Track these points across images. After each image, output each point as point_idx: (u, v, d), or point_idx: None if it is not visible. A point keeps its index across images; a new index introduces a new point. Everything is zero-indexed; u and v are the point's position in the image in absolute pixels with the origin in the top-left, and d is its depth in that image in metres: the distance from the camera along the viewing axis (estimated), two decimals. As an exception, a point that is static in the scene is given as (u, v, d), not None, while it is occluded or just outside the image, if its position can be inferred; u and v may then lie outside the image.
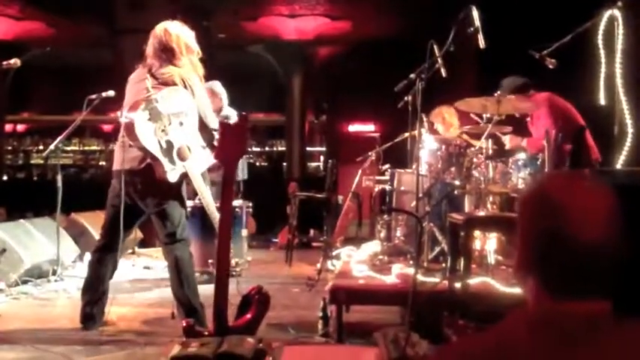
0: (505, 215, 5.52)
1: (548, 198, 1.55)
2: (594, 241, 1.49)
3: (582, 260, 1.49)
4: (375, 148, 8.91)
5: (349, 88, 16.60)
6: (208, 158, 5.36)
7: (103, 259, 5.53)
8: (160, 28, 5.47)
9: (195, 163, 5.30)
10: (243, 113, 3.79)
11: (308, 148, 18.48)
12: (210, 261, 7.47)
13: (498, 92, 6.45)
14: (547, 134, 5.70)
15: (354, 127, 17.67)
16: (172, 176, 5.18)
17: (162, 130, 5.10)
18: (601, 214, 1.51)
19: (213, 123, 5.49)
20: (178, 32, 5.47)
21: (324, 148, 19.82)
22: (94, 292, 5.50)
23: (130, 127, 5.09)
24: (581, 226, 1.49)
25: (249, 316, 3.84)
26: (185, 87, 5.29)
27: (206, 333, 3.71)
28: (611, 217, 1.52)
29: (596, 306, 1.50)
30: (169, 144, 5.15)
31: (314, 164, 20.26)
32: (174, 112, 5.17)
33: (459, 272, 4.64)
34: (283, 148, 18.73)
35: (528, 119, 6.81)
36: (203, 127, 5.51)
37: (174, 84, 5.26)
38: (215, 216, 5.32)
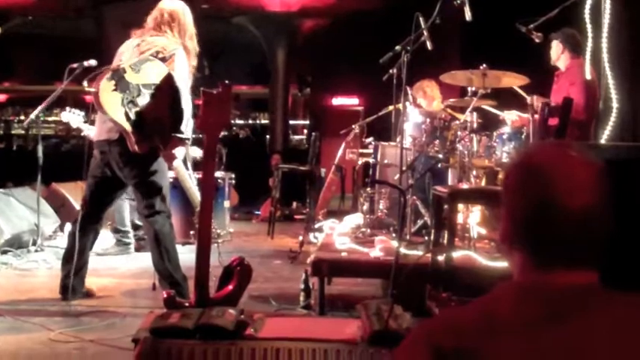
0: (489, 188, 5.51)
1: (534, 167, 1.53)
2: (581, 208, 1.46)
3: (569, 228, 1.47)
4: (358, 121, 8.88)
5: (333, 61, 16.49)
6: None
7: (84, 229, 5.44)
8: (167, 2, 5.43)
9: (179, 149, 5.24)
10: (227, 82, 3.73)
11: (291, 121, 18.44)
12: (192, 232, 7.42)
13: (552, 35, 6.39)
14: (531, 106, 5.67)
15: (337, 101, 17.57)
16: (143, 148, 5.07)
17: (131, 102, 4.97)
18: (587, 181, 1.49)
19: (185, 102, 5.21)
20: (182, 10, 5.43)
21: (307, 121, 19.78)
22: (74, 263, 5.42)
23: (95, 97, 4.99)
24: (567, 193, 1.46)
25: (230, 287, 3.81)
26: (165, 59, 5.19)
27: (187, 304, 3.68)
28: (598, 184, 1.50)
29: (583, 277, 1.48)
30: (140, 115, 5.04)
31: (297, 137, 20.23)
32: (146, 82, 5.07)
33: (443, 245, 4.63)
34: (267, 121, 18.68)
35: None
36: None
37: (155, 54, 5.18)
38: (195, 198, 5.32)
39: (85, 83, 5.18)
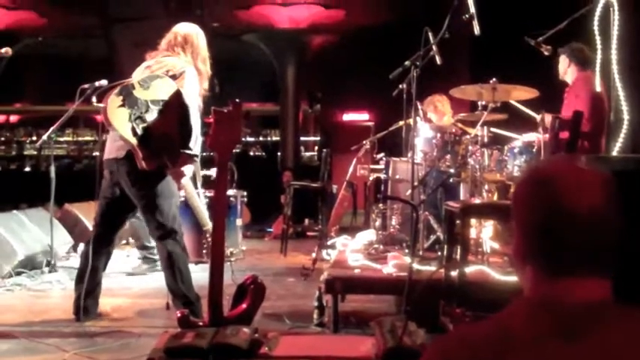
0: (501, 203, 5.49)
1: (542, 179, 1.54)
2: (589, 214, 1.47)
3: (578, 236, 1.47)
4: (369, 136, 8.88)
5: (343, 77, 16.55)
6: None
7: (96, 250, 5.43)
8: (182, 26, 5.49)
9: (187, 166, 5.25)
10: (237, 100, 3.74)
11: (302, 138, 18.46)
12: (204, 251, 7.42)
13: (559, 49, 6.37)
14: (542, 121, 5.67)
15: (348, 117, 17.64)
16: (151, 165, 5.04)
17: (139, 117, 4.94)
18: (595, 190, 1.49)
19: (194, 119, 5.19)
20: (195, 34, 5.46)
21: (318, 138, 19.79)
22: (88, 283, 5.41)
23: (104, 112, 4.97)
24: (575, 201, 1.47)
25: (244, 306, 3.80)
26: (175, 77, 5.21)
27: (201, 323, 3.68)
28: (606, 192, 1.50)
29: (596, 289, 1.47)
30: (148, 131, 5.00)
31: (308, 154, 20.23)
32: (155, 99, 5.05)
33: (456, 261, 4.61)
34: (277, 138, 18.70)
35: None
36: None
37: (165, 72, 5.19)
38: (203, 216, 5.32)
39: (94, 99, 5.18)
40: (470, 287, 4.47)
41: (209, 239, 4.71)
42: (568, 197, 1.48)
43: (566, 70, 6.45)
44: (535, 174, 1.59)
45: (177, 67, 5.24)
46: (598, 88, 6.07)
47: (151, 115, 5.01)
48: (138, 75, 5.28)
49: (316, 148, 20.06)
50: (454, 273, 4.59)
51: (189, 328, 3.51)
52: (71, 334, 5.20)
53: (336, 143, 14.78)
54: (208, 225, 5.29)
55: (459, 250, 4.59)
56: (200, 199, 5.54)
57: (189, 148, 5.03)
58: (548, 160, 1.86)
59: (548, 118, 5.97)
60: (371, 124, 15.99)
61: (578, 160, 1.57)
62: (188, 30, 5.46)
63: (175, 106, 5.05)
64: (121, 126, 4.91)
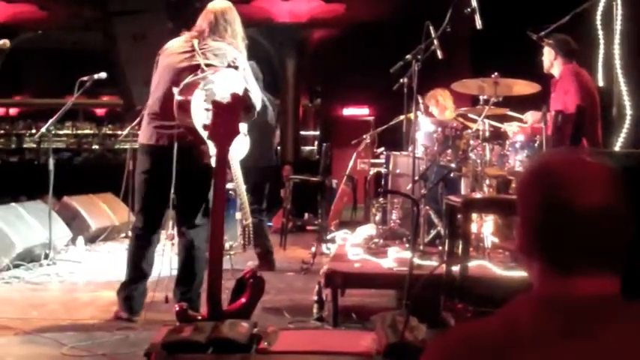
0: (503, 197, 5.46)
1: (545, 172, 1.50)
2: (596, 208, 1.43)
3: (585, 230, 1.43)
4: (369, 131, 8.86)
5: (343, 72, 16.50)
6: (245, 146, 5.11)
7: (147, 237, 5.32)
8: (221, 5, 5.32)
9: (236, 150, 5.07)
10: (237, 92, 3.70)
11: (302, 132, 18.43)
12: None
13: (541, 34, 6.25)
14: (544, 115, 5.63)
15: (348, 111, 17.59)
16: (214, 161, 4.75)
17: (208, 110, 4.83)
18: (600, 182, 1.46)
19: (259, 106, 5.12)
20: (232, 10, 5.33)
21: (317, 132, 19.77)
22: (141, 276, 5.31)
23: (185, 106, 4.73)
24: (580, 194, 1.43)
25: (243, 300, 3.78)
26: (234, 67, 5.08)
27: (200, 317, 3.65)
28: (613, 185, 1.46)
29: (604, 285, 1.44)
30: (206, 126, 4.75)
31: (308, 148, 20.22)
32: (225, 95, 4.88)
33: (457, 255, 4.58)
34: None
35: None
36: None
37: (222, 62, 5.07)
38: (246, 205, 5.20)
39: (176, 90, 4.90)
40: (471, 282, 4.44)
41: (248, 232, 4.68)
42: (572, 191, 1.44)
43: (552, 62, 6.32)
44: (538, 167, 1.55)
45: (231, 56, 5.12)
46: (601, 82, 6.04)
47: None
48: (178, 58, 5.13)
49: (316, 142, 20.05)
50: (455, 268, 4.56)
51: (187, 322, 3.48)
52: (69, 327, 5.17)
53: (336, 137, 14.73)
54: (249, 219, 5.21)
55: (460, 245, 4.56)
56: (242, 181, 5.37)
57: None
58: (551, 153, 1.82)
59: (535, 116, 5.95)
60: (371, 118, 15.93)
61: (581, 152, 1.53)
62: (225, 8, 5.30)
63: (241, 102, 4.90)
64: (198, 121, 4.69)
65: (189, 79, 4.83)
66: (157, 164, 5.15)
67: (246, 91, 4.85)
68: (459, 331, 1.75)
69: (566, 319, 1.40)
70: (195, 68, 4.97)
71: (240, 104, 3.67)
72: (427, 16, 5.98)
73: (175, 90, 4.73)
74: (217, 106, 3.64)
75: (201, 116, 4.67)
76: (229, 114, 3.64)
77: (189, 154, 4.92)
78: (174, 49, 5.23)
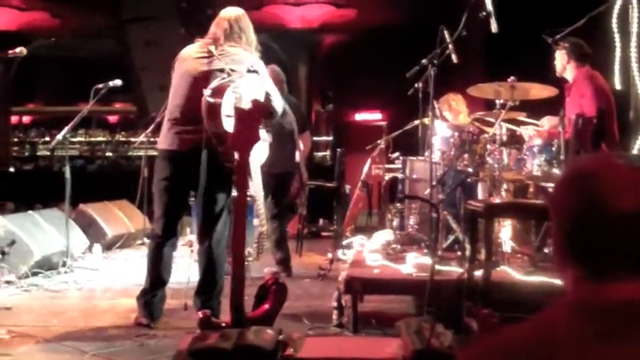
0: (526, 202, 5.45)
1: (579, 176, 1.50)
2: (632, 210, 1.42)
3: (621, 233, 1.43)
4: (381, 136, 8.83)
5: (355, 77, 16.51)
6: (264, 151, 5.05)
7: (167, 244, 5.31)
8: (235, 12, 5.33)
9: (256, 155, 5.05)
10: (257, 99, 3.70)
11: (314, 138, 18.41)
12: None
13: (557, 37, 6.24)
14: (562, 119, 5.61)
15: (360, 116, 17.58)
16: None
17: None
18: (636, 184, 1.44)
19: (280, 110, 5.11)
20: (245, 17, 5.34)
21: (330, 138, 19.75)
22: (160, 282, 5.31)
23: (215, 110, 4.67)
24: (615, 196, 1.43)
25: (266, 306, 3.78)
26: (254, 72, 5.07)
27: (223, 324, 3.65)
28: None
29: (638, 289, 1.43)
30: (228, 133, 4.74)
31: (320, 154, 20.19)
32: (249, 100, 4.88)
33: (480, 260, 4.57)
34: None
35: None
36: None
37: (240, 67, 5.01)
38: (263, 211, 5.17)
39: (208, 92, 4.87)
40: (492, 287, 4.43)
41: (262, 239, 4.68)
42: (606, 195, 1.43)
43: (565, 66, 6.31)
44: (575, 172, 1.55)
45: (248, 61, 5.11)
46: (618, 85, 6.02)
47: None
48: (196, 63, 5.10)
49: (328, 148, 20.02)
50: (477, 273, 4.54)
51: (210, 329, 3.48)
52: (89, 335, 5.18)
53: (348, 143, 14.72)
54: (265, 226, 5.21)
55: (482, 250, 4.55)
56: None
57: None
58: (585, 158, 1.82)
59: (551, 121, 5.93)
60: (383, 123, 15.92)
61: (615, 155, 1.53)
62: (239, 15, 5.31)
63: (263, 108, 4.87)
64: (228, 124, 4.61)
65: (217, 81, 4.82)
66: (177, 170, 5.14)
67: (267, 95, 4.86)
68: (494, 338, 1.74)
69: (601, 324, 1.40)
70: (215, 72, 4.97)
71: (260, 111, 3.67)
72: (438, 21, 5.97)
73: (206, 92, 4.70)
74: (239, 113, 3.64)
75: (230, 120, 4.66)
76: (250, 121, 3.64)
77: (211, 159, 4.91)
78: (191, 55, 5.23)
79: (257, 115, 3.67)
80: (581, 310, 1.44)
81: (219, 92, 4.70)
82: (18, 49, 6.19)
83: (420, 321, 3.32)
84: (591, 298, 1.44)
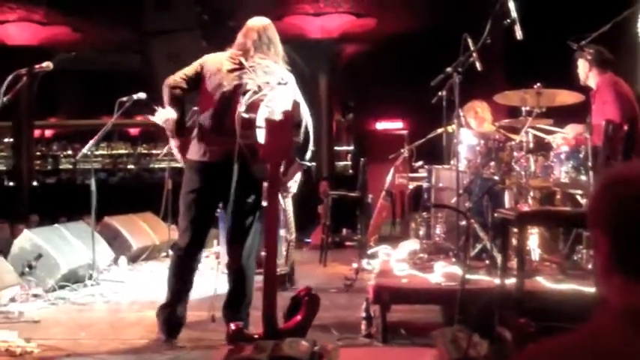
0: (558, 209, 5.41)
1: (622, 184, 1.49)
2: None
3: None
4: (402, 145, 8.81)
5: (375, 86, 16.50)
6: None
7: (191, 258, 5.23)
8: (262, 22, 5.31)
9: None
10: (288, 110, 3.70)
11: (335, 147, 18.43)
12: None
13: (582, 43, 6.18)
14: (588, 125, 5.57)
15: (381, 125, 17.56)
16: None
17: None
18: None
19: (309, 123, 5.07)
20: (273, 28, 5.33)
21: (351, 147, 19.75)
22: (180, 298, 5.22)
23: (250, 125, 4.71)
24: None
25: (299, 317, 3.76)
26: (284, 84, 5.06)
27: (256, 336, 3.64)
28: None
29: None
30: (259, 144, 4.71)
31: (341, 163, 20.20)
32: (280, 113, 4.86)
33: (511, 269, 4.54)
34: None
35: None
36: None
37: (272, 79, 5.03)
38: (292, 221, 5.15)
39: (242, 108, 4.85)
40: (526, 296, 4.39)
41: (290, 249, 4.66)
42: None
43: (587, 74, 6.25)
44: (611, 181, 1.54)
45: (279, 73, 5.09)
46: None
47: None
48: (229, 77, 5.05)
49: (349, 157, 20.02)
50: (509, 281, 4.51)
51: (243, 342, 3.47)
52: (118, 348, 5.18)
53: (369, 152, 14.70)
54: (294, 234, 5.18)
55: (513, 259, 4.52)
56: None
57: (305, 159, 4.94)
58: (622, 166, 1.80)
59: (575, 129, 5.89)
60: (404, 132, 15.91)
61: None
62: (266, 25, 5.30)
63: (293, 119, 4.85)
64: (260, 137, 4.62)
65: (250, 96, 4.81)
66: (207, 182, 5.10)
67: (296, 106, 4.85)
68: (543, 348, 1.72)
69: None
70: (246, 85, 4.95)
71: (291, 122, 3.67)
72: (458, 29, 5.96)
73: (241, 108, 4.69)
74: (270, 124, 3.64)
75: (261, 132, 4.65)
76: (282, 132, 3.64)
77: (243, 170, 4.89)
78: (224, 66, 5.16)
79: (288, 126, 3.67)
80: (628, 316, 1.43)
81: (253, 107, 4.71)
82: (45, 64, 6.19)
83: (454, 331, 3.29)
84: (639, 305, 1.43)
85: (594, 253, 1.57)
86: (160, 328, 5.22)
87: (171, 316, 5.18)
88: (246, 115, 4.69)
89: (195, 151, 5.14)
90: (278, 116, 4.36)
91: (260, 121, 4.61)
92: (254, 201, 5.05)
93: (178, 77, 5.19)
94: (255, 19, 5.35)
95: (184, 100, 5.28)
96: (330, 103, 17.13)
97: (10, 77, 5.68)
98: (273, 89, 4.89)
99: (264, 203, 4.95)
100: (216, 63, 5.20)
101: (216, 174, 5.00)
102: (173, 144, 5.22)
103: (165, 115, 5.19)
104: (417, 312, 6.05)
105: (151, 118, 5.28)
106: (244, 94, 4.86)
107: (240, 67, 5.07)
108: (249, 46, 5.16)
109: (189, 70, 5.23)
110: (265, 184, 4.81)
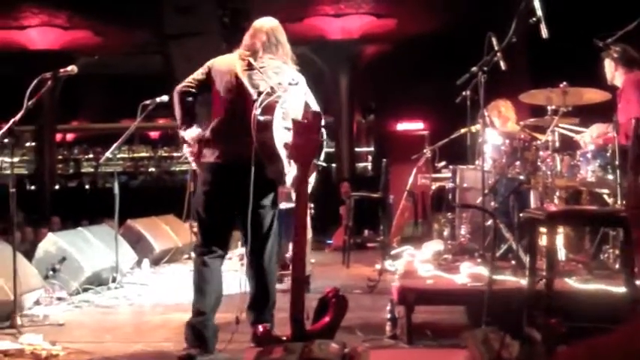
0: (587, 209, 5.36)
1: None
2: None
3: None
4: (423, 146, 8.78)
5: (396, 87, 16.47)
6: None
7: (214, 262, 5.08)
8: (270, 23, 5.20)
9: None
10: (317, 110, 3.68)
11: (356, 149, 18.40)
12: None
13: (608, 42, 6.11)
14: (615, 123, 5.52)
15: (402, 126, 17.52)
16: (288, 179, 4.77)
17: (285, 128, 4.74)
18: None
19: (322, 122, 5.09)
20: (280, 29, 5.21)
21: (372, 148, 19.72)
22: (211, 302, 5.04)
23: (267, 127, 4.65)
24: None
25: (327, 319, 3.74)
26: (295, 84, 5.04)
27: (284, 338, 3.62)
28: None
29: None
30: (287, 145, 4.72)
31: (362, 164, 20.17)
32: (295, 113, 4.76)
33: (538, 269, 4.50)
34: (332, 149, 18.65)
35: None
36: None
37: (282, 80, 4.93)
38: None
39: (258, 110, 4.82)
40: (555, 297, 4.34)
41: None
42: None
43: (614, 73, 6.18)
44: None
45: (289, 74, 5.08)
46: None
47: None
48: (240, 80, 5.02)
49: (370, 158, 20.00)
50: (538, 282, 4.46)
51: (271, 343, 3.45)
52: (145, 351, 5.18)
53: (390, 153, 14.67)
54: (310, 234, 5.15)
55: (544, 259, 4.47)
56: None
57: (320, 159, 4.91)
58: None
59: (600, 128, 5.83)
60: (425, 132, 15.88)
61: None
62: (275, 26, 5.20)
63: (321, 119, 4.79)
64: (279, 141, 4.63)
65: (263, 97, 4.77)
66: (222, 183, 5.02)
67: (307, 106, 4.83)
68: (581, 349, 1.69)
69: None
70: (259, 87, 4.93)
71: (319, 123, 3.65)
72: (478, 29, 5.92)
73: (257, 111, 4.66)
74: (298, 125, 3.62)
75: (281, 135, 4.65)
76: (309, 133, 3.62)
77: (258, 171, 4.87)
78: (235, 68, 5.08)
79: (316, 126, 3.65)
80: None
81: (268, 110, 4.67)
82: (69, 68, 6.21)
83: (485, 332, 3.26)
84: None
85: (636, 252, 1.54)
86: (187, 341, 4.89)
87: (200, 330, 4.93)
88: (262, 118, 4.66)
89: (209, 154, 5.09)
90: (294, 116, 4.36)
91: (277, 123, 4.59)
92: (270, 204, 5.00)
93: (187, 82, 5.16)
94: (262, 20, 5.30)
95: (196, 110, 5.24)
96: (351, 104, 17.12)
97: (35, 81, 5.69)
98: (286, 91, 4.86)
99: (281, 205, 4.96)
100: (225, 64, 5.15)
101: (229, 175, 4.93)
102: (187, 150, 5.20)
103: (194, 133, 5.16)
104: (440, 313, 6.00)
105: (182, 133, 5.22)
106: (257, 95, 4.83)
107: (250, 67, 5.04)
108: (257, 47, 5.11)
109: (198, 73, 5.20)
110: (280, 187, 4.86)
